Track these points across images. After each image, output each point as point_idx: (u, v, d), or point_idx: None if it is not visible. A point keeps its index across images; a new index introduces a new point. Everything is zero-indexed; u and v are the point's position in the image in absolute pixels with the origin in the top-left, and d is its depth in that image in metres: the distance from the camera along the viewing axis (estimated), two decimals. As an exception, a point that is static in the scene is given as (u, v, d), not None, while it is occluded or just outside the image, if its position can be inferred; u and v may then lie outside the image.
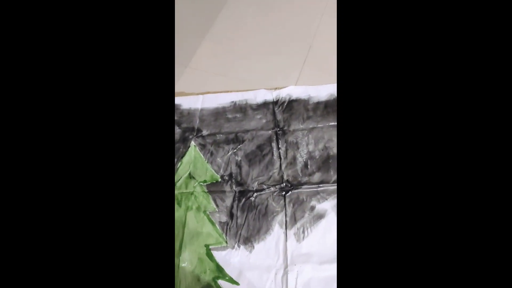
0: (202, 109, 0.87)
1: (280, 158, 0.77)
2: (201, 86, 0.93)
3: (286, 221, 0.68)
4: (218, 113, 0.86)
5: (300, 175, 0.74)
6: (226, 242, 0.67)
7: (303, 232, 0.66)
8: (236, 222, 0.69)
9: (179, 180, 0.75)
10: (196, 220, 0.70)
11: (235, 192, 0.73)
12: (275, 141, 0.80)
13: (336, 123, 0.81)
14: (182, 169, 0.77)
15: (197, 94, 0.90)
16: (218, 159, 0.78)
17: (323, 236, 0.65)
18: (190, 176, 0.76)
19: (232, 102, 0.87)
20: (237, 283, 0.62)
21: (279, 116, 0.84)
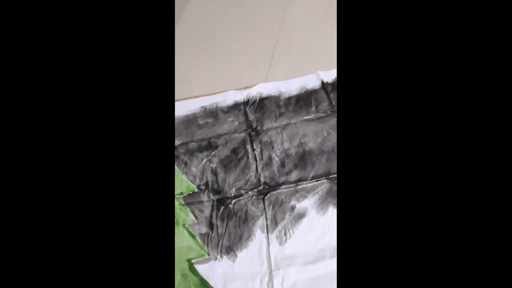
0: (172, 118, 0.84)
1: (256, 160, 0.75)
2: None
3: (267, 224, 0.66)
4: (189, 121, 0.83)
5: (277, 175, 0.72)
6: (208, 254, 0.65)
7: (285, 234, 0.65)
8: (217, 232, 0.67)
9: (155, 195, 0.73)
10: (176, 235, 0.68)
11: (213, 201, 0.71)
12: (249, 142, 0.78)
13: (309, 117, 0.80)
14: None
15: (165, 103, 0.87)
16: (193, 168, 0.76)
17: (305, 235, 0.64)
18: (166, 190, 0.73)
19: (202, 107, 0.85)
20: (223, 295, 0.61)
21: (251, 116, 0.82)
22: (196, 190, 0.72)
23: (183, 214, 0.70)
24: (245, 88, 0.87)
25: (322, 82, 0.85)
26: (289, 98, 0.84)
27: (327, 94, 0.83)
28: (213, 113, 0.84)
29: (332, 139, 0.75)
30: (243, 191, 0.71)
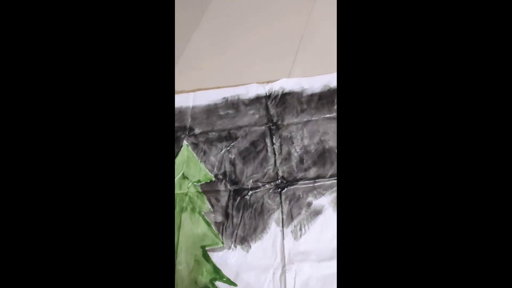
0: (193, 107, 0.85)
1: (275, 154, 0.75)
2: (191, 83, 0.90)
3: (282, 218, 0.67)
4: (210, 110, 0.84)
5: (296, 170, 0.72)
6: (223, 242, 0.66)
7: (300, 229, 0.65)
8: (232, 222, 0.68)
9: (173, 181, 0.74)
10: (191, 221, 0.69)
11: (230, 191, 0.71)
12: (269, 136, 0.78)
13: (331, 115, 0.79)
14: (176, 169, 0.75)
15: (188, 91, 0.88)
16: (211, 157, 0.76)
17: (320, 232, 0.64)
18: (184, 177, 0.74)
19: (224, 98, 0.85)
20: (234, 284, 0.61)
21: (272, 111, 0.82)
22: (214, 179, 0.73)
23: (199, 202, 0.71)
24: (268, 82, 0.87)
25: (346, 82, 0.84)
26: (312, 95, 0.84)
27: (350, 93, 0.82)
28: (234, 105, 0.84)
29: (353, 139, 0.75)
30: (260, 184, 0.71)
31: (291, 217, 0.66)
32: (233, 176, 0.73)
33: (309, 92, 0.84)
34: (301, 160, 0.73)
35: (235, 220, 0.68)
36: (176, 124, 0.82)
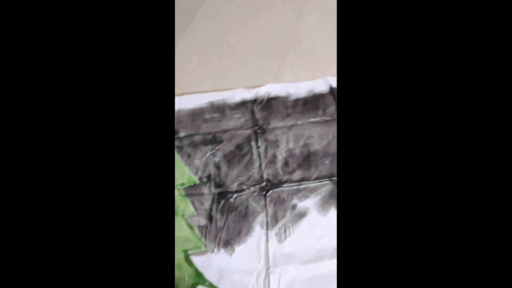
0: (179, 111, 0.84)
1: (260, 157, 0.75)
2: (178, 88, 0.90)
3: (267, 221, 0.66)
4: (195, 114, 0.83)
5: (281, 173, 0.72)
6: (205, 246, 0.64)
7: (285, 232, 0.64)
8: (216, 225, 0.66)
9: (156, 184, 0.72)
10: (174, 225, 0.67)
11: (214, 194, 0.70)
12: (254, 140, 0.78)
13: (316, 120, 0.80)
14: (159, 173, 0.74)
15: (174, 95, 0.87)
16: (196, 161, 0.75)
17: (305, 235, 0.63)
18: (167, 180, 0.73)
19: (210, 102, 0.85)
20: (217, 289, 0.59)
21: (258, 115, 0.82)
22: (198, 182, 0.72)
23: (182, 205, 0.69)
24: (254, 87, 0.87)
25: (331, 87, 0.85)
26: (297, 100, 0.84)
27: (335, 98, 0.83)
28: (220, 109, 0.84)
29: (337, 143, 0.75)
30: (245, 187, 0.71)
31: (275, 220, 0.66)
32: (218, 179, 0.72)
33: (295, 97, 0.85)
34: (286, 163, 0.73)
35: (219, 223, 0.66)
36: (161, 128, 0.81)
